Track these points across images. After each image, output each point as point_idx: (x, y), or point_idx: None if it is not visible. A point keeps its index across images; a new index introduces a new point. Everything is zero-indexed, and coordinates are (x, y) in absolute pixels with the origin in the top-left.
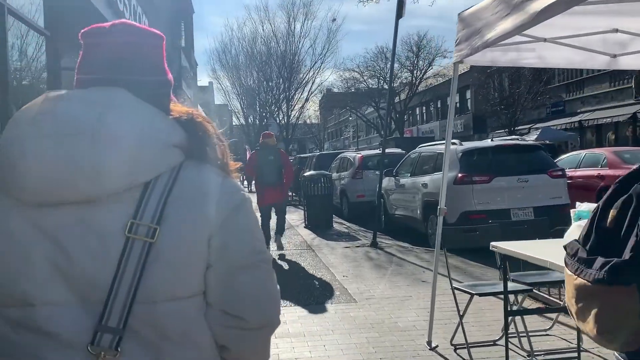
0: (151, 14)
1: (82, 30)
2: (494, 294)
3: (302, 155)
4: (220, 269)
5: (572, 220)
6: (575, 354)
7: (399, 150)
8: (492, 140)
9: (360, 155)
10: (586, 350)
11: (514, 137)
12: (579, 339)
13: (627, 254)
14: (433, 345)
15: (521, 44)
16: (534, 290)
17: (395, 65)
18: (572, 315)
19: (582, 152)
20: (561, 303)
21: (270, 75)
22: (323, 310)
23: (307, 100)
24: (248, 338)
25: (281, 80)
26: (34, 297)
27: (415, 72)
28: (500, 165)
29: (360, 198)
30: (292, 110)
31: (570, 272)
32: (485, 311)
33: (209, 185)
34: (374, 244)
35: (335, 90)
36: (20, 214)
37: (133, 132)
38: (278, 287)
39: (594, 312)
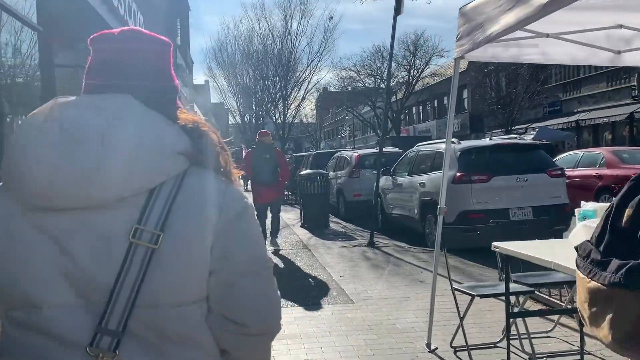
0: (146, 11)
1: (92, 36)
2: (495, 296)
3: (298, 154)
4: (222, 275)
5: (577, 220)
6: (578, 357)
7: (396, 149)
8: (490, 139)
9: (357, 154)
10: (589, 353)
11: (512, 136)
12: (582, 341)
13: None
14: (432, 347)
15: (523, 39)
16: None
17: (392, 64)
18: (584, 320)
19: (580, 152)
20: (562, 304)
21: (267, 73)
22: (320, 311)
23: (303, 99)
24: (249, 343)
25: (277, 78)
26: (39, 300)
27: (412, 71)
28: (499, 165)
29: (357, 197)
30: (288, 109)
31: (582, 275)
32: (485, 312)
33: (213, 192)
34: (371, 244)
35: (332, 89)
36: (27, 218)
37: (139, 141)
38: (279, 292)
39: (609, 317)
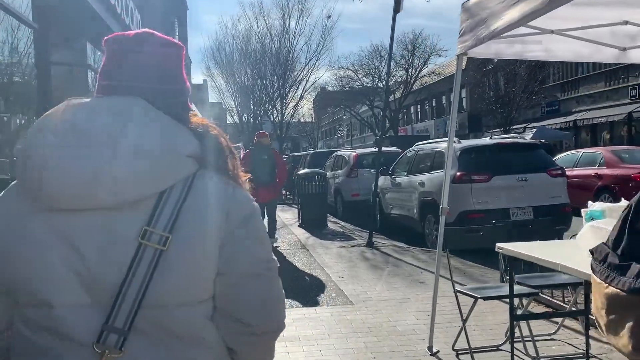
0: (144, 10)
1: (106, 37)
2: (499, 298)
3: (295, 154)
4: (230, 277)
5: (584, 221)
6: None
7: (394, 149)
8: (491, 138)
9: (355, 153)
10: (595, 357)
11: (513, 135)
12: (588, 345)
13: None
14: (434, 350)
15: (527, 36)
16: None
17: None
18: (600, 327)
19: (580, 152)
20: (566, 306)
21: (265, 73)
22: (319, 312)
23: (301, 98)
24: (255, 342)
25: (275, 78)
26: (52, 298)
27: (410, 70)
28: (499, 164)
29: (355, 197)
30: (286, 109)
31: (599, 280)
32: (487, 314)
33: (221, 195)
34: (370, 244)
35: (330, 88)
36: (39, 217)
37: (151, 144)
38: (283, 292)
39: (628, 325)
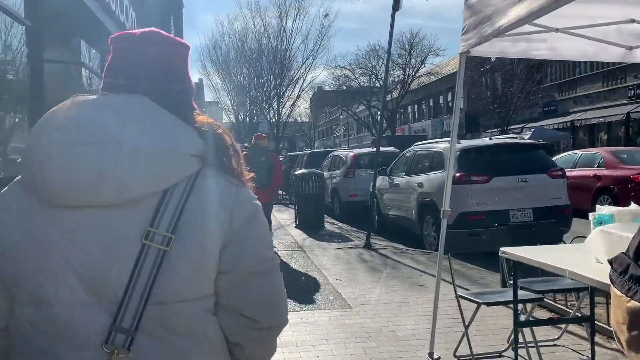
0: (139, 8)
1: (112, 35)
2: (504, 304)
3: (292, 154)
4: (235, 275)
5: (592, 225)
6: None
7: (392, 149)
8: (490, 138)
9: (352, 153)
10: None
11: (512, 135)
12: (593, 351)
13: None
14: (435, 356)
15: (532, 34)
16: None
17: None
18: (620, 343)
19: (578, 152)
20: (568, 310)
21: (261, 71)
22: (316, 317)
23: (298, 97)
24: (260, 336)
25: (272, 77)
26: (53, 297)
27: (407, 70)
28: (499, 165)
29: (352, 197)
30: (283, 108)
31: (620, 293)
32: (488, 318)
33: (224, 195)
34: (368, 246)
35: (327, 88)
36: (43, 215)
37: (155, 142)
38: (284, 288)
39: None
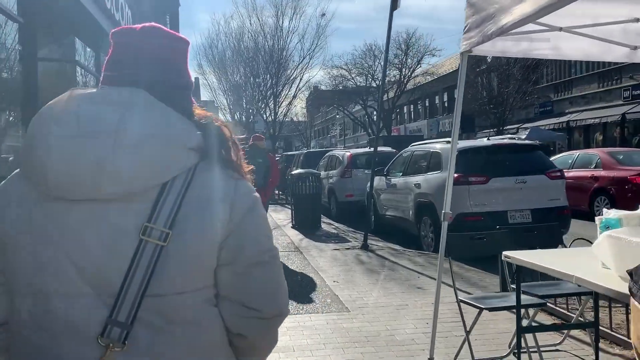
0: (135, 6)
1: (113, 30)
2: (507, 309)
3: (288, 153)
4: (236, 266)
5: (598, 229)
6: None
7: (389, 149)
8: (488, 139)
9: (349, 153)
10: None
11: (510, 136)
12: (597, 357)
13: None
14: None
15: (535, 33)
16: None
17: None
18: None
19: (576, 153)
20: (570, 314)
21: (258, 71)
22: (314, 320)
23: (294, 97)
24: (262, 326)
25: (268, 76)
26: (52, 289)
27: (403, 70)
28: (497, 166)
29: (349, 197)
30: (279, 107)
31: None
32: (488, 322)
33: (223, 188)
34: (365, 247)
35: (323, 87)
36: (43, 207)
37: (153, 135)
38: (284, 279)
39: None
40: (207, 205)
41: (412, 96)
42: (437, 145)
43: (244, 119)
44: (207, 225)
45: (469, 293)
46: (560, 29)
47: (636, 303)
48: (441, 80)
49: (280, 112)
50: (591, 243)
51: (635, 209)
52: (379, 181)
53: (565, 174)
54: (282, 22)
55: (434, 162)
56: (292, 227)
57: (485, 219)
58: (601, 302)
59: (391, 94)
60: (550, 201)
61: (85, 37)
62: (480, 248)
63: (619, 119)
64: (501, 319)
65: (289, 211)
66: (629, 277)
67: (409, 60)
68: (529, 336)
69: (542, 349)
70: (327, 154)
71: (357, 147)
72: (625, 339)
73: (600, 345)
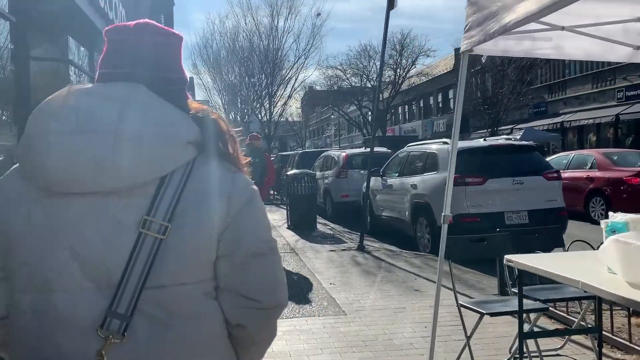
0: (129, 5)
1: (107, 28)
2: (509, 314)
3: (283, 153)
4: (236, 258)
5: (604, 233)
6: None
7: (384, 149)
8: (485, 139)
9: (345, 153)
10: None
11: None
12: None
13: None
14: None
15: (537, 32)
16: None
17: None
18: None
19: (571, 154)
20: (571, 318)
21: (253, 71)
22: (310, 324)
23: (289, 97)
24: (262, 317)
25: (263, 76)
26: (53, 283)
27: (398, 70)
28: (494, 167)
29: (344, 198)
30: (274, 107)
31: None
32: (487, 326)
33: (221, 181)
34: (361, 248)
35: (318, 87)
36: (43, 203)
37: (152, 130)
38: (283, 270)
39: None
40: (205, 198)
41: (406, 97)
42: (434, 146)
43: (238, 118)
44: (206, 218)
45: (467, 295)
46: (563, 28)
47: None
48: (436, 81)
49: (276, 112)
50: (590, 245)
51: (630, 210)
52: (374, 182)
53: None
54: (277, 22)
55: (430, 162)
56: (287, 227)
57: (482, 220)
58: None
59: (386, 95)
60: (547, 202)
61: (79, 35)
62: (480, 251)
63: (613, 119)
64: (500, 323)
65: (284, 212)
66: None
67: (404, 60)
68: (530, 341)
69: (543, 353)
70: (322, 154)
71: (352, 148)
72: (627, 343)
73: (604, 350)
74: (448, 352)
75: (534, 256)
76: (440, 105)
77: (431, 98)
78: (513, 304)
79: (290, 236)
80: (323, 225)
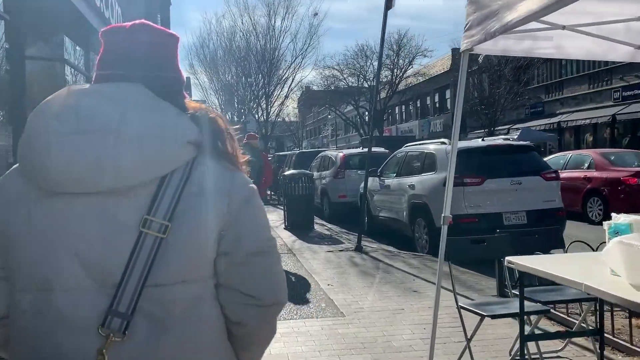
0: (125, 4)
1: (103, 29)
2: (511, 316)
3: (280, 153)
4: (236, 256)
5: (607, 235)
6: None
7: (382, 149)
8: (483, 139)
9: (342, 154)
10: None
11: (506, 137)
12: None
13: None
14: None
15: (538, 31)
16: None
17: (375, 63)
18: None
19: (568, 154)
20: (571, 319)
21: (249, 70)
22: (308, 326)
23: (286, 97)
24: (262, 314)
25: (260, 76)
26: (55, 283)
27: (395, 70)
28: (492, 167)
29: (341, 198)
30: (271, 107)
31: None
32: (487, 327)
33: (221, 180)
34: (359, 248)
35: (315, 87)
36: (44, 203)
37: (153, 130)
38: (282, 268)
39: None
40: (205, 198)
41: (403, 97)
42: (431, 146)
43: (235, 118)
44: (206, 217)
45: (466, 296)
46: (564, 28)
47: None
48: (433, 81)
49: (273, 112)
50: (589, 245)
51: (628, 210)
52: (372, 182)
53: None
54: (275, 22)
55: (428, 163)
56: (284, 228)
57: (480, 220)
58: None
59: (383, 95)
60: (546, 202)
61: (75, 35)
62: (480, 252)
63: (609, 119)
64: (500, 324)
65: (282, 212)
66: None
67: (401, 61)
68: (530, 343)
69: (543, 355)
70: (319, 155)
71: (349, 148)
72: (628, 345)
73: (606, 353)
74: (448, 354)
75: (536, 258)
76: (437, 105)
77: (428, 98)
78: (513, 305)
79: (287, 237)
80: (320, 226)
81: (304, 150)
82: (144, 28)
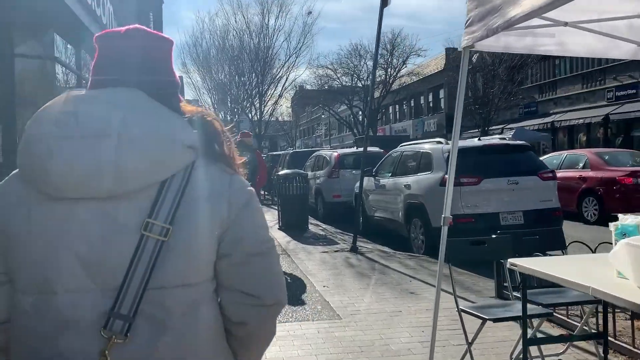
0: (117, 3)
1: (97, 34)
2: (512, 320)
3: (274, 153)
4: (237, 258)
5: (613, 236)
6: None
7: (377, 149)
8: (479, 139)
9: (336, 153)
10: None
11: (502, 136)
12: None
13: None
14: None
15: (539, 27)
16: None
17: (369, 63)
18: None
19: (563, 153)
20: (572, 321)
21: (243, 69)
22: (304, 329)
23: (280, 96)
24: (262, 314)
25: (254, 75)
26: (57, 285)
27: (389, 70)
28: (489, 167)
29: (336, 198)
30: (265, 106)
31: None
32: (487, 330)
33: (219, 184)
34: (354, 249)
35: (309, 87)
36: (44, 207)
37: (153, 134)
38: (281, 269)
39: None
40: (205, 202)
41: (397, 96)
42: (427, 146)
43: (228, 118)
44: (206, 221)
45: (464, 298)
46: (566, 24)
47: None
48: (426, 81)
49: (266, 112)
50: (588, 246)
51: (623, 210)
52: (367, 182)
53: None
54: (268, 20)
55: (424, 162)
56: (278, 228)
57: (477, 221)
58: (601, 308)
59: (377, 94)
60: (542, 202)
61: (65, 33)
62: (479, 253)
63: (603, 119)
64: (500, 327)
65: (276, 212)
66: None
67: (395, 60)
68: (532, 347)
69: (545, 359)
70: (314, 154)
71: (343, 147)
72: (630, 347)
73: (610, 357)
74: (447, 357)
75: (538, 260)
76: (431, 104)
77: (422, 98)
78: (515, 308)
79: (281, 237)
80: (315, 226)
81: (297, 150)
82: (139, 33)
